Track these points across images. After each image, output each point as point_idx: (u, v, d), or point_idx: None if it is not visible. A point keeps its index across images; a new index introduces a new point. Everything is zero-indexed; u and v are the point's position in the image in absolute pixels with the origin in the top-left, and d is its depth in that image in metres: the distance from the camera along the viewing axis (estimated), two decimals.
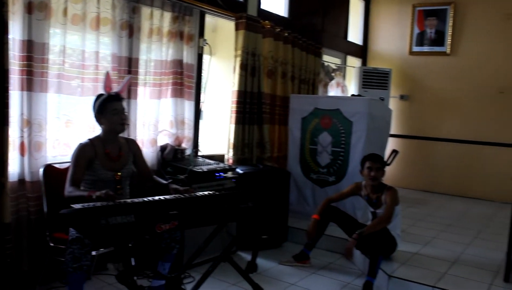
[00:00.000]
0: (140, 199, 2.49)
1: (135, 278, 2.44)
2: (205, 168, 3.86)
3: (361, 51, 7.67)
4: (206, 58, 4.72)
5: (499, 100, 6.66)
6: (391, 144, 6.97)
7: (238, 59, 4.72)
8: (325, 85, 6.55)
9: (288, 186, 4.51)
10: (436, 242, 4.41)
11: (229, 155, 4.78)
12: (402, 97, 7.32)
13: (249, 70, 4.81)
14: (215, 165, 4.03)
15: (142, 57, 3.79)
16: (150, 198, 2.47)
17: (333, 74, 6.66)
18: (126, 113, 2.99)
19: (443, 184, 7.02)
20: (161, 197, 2.52)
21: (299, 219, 4.73)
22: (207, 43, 4.49)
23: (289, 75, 5.53)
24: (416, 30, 7.30)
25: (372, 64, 7.57)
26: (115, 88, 3.01)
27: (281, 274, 3.72)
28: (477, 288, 3.30)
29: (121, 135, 3.03)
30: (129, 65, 3.66)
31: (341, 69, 7.04)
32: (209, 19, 4.68)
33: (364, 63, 7.68)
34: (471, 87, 6.85)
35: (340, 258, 4.15)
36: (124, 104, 3.04)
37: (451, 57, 7.02)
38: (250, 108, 4.90)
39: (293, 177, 4.97)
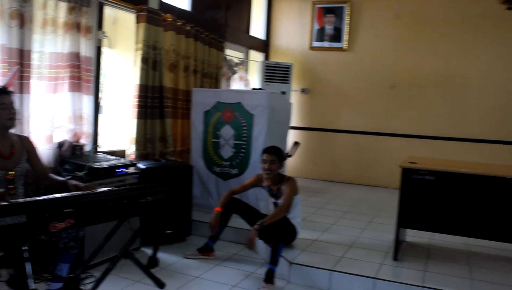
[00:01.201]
0: (33, 198, 2.36)
1: (29, 282, 2.31)
2: (105, 164, 3.74)
3: (264, 46, 7.81)
4: (105, 51, 4.56)
5: (391, 94, 7.12)
6: (293, 136, 7.21)
7: (139, 52, 4.62)
8: (228, 79, 6.61)
9: (191, 180, 4.50)
10: (335, 228, 4.63)
11: (131, 150, 4.68)
12: (303, 91, 7.57)
13: (150, 63, 4.73)
14: (115, 160, 3.92)
15: (36, 49, 3.58)
16: (43, 197, 2.35)
17: (236, 68, 6.73)
18: (15, 108, 2.82)
19: (342, 174, 7.38)
20: (56, 195, 2.40)
21: (203, 212, 4.75)
22: (106, 36, 4.34)
23: (191, 69, 5.51)
24: (316, 26, 7.56)
25: (274, 58, 7.74)
26: (2, 81, 2.82)
27: (186, 268, 3.72)
28: (370, 268, 3.50)
29: (13, 132, 2.86)
30: (20, 57, 3.43)
31: (244, 63, 7.14)
32: (109, 11, 4.53)
33: (266, 57, 7.83)
34: (366, 81, 7.25)
35: (243, 248, 4.21)
36: (14, 98, 2.86)
37: (348, 52, 7.37)
38: (152, 102, 4.82)
39: (197, 171, 4.97)
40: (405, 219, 3.68)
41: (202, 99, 5.05)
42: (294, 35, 7.71)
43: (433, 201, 3.59)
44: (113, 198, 2.41)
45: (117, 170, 3.79)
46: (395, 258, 3.70)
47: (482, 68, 6.68)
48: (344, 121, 7.38)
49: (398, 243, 3.72)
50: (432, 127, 6.90)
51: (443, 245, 4.22)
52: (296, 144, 5.75)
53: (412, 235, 4.29)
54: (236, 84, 6.67)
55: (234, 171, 4.89)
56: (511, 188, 3.43)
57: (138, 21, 4.63)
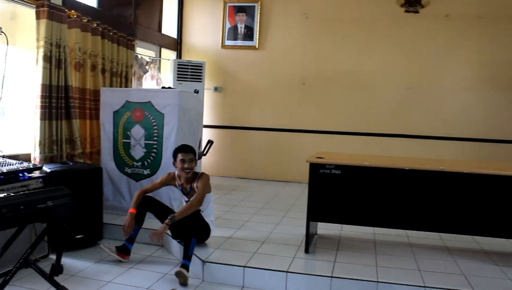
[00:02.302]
0: None
1: None
2: (5, 169, 3.52)
3: (176, 44, 7.73)
4: (3, 48, 4.28)
5: (302, 91, 7.32)
6: (207, 134, 7.23)
7: (41, 50, 4.40)
8: (140, 78, 6.47)
9: (101, 182, 4.35)
10: (249, 225, 4.68)
11: (35, 153, 4.44)
12: (216, 89, 7.58)
13: (54, 62, 4.52)
14: (17, 165, 3.70)
15: None
16: None
17: (147, 66, 6.61)
18: None
19: (256, 170, 7.50)
20: None
21: (116, 215, 4.63)
22: (2, 32, 4.08)
23: (99, 68, 5.33)
24: (228, 25, 7.60)
25: (187, 57, 7.69)
26: None
27: (98, 273, 3.59)
28: (283, 262, 3.58)
29: None
30: None
31: (156, 61, 7.02)
32: (6, 5, 4.26)
33: (179, 56, 7.76)
34: (277, 79, 7.40)
35: (158, 249, 4.16)
36: None
37: (260, 51, 7.48)
38: (57, 102, 4.61)
39: (108, 173, 4.83)
40: (315, 213, 3.81)
41: (111, 98, 4.91)
42: (206, 33, 7.70)
43: (341, 194, 3.75)
44: (7, 205, 2.28)
45: (19, 175, 3.58)
46: (307, 251, 3.81)
47: (385, 65, 7.07)
48: (257, 118, 7.49)
49: (309, 236, 3.85)
50: (340, 123, 7.20)
51: (352, 236, 4.41)
52: (210, 142, 5.78)
53: (324, 228, 4.46)
54: (148, 83, 6.55)
55: (146, 172, 4.80)
56: (410, 178, 3.67)
57: (38, 17, 4.41)
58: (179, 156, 3.79)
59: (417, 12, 6.97)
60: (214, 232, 4.01)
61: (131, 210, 3.79)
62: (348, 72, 7.17)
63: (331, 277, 3.32)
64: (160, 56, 7.29)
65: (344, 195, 3.75)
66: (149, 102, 4.71)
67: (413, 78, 7.00)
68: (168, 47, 7.52)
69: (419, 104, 6.99)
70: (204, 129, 7.26)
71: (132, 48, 6.06)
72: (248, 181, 7.33)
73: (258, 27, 7.47)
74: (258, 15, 7.45)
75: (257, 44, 7.47)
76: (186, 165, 3.77)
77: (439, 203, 3.68)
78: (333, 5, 7.21)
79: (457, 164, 4.02)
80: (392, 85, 7.06)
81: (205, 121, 7.35)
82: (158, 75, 6.74)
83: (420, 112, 6.98)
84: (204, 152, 5.79)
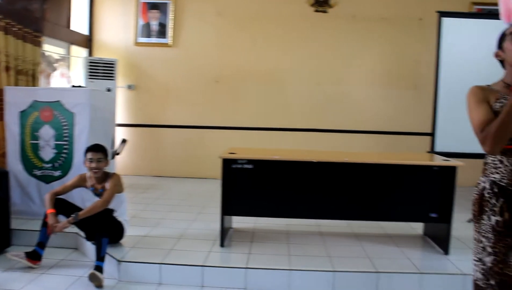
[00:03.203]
0: None
1: None
2: None
3: (87, 41, 7.51)
4: None
5: (216, 88, 7.42)
6: (121, 133, 7.11)
7: None
8: (48, 76, 6.23)
9: (7, 186, 4.17)
10: (165, 223, 4.69)
11: None
12: (129, 87, 7.47)
13: None
14: None
15: None
16: None
17: (56, 64, 6.38)
18: None
19: (172, 168, 7.48)
20: None
21: (25, 220, 4.44)
22: None
23: (3, 65, 5.07)
24: (141, 22, 7.49)
25: (98, 54, 7.49)
26: None
27: (6, 282, 3.43)
28: (199, 256, 3.66)
29: None
30: None
31: (65, 59, 6.79)
32: None
33: (90, 53, 7.54)
34: (192, 77, 7.43)
35: (72, 253, 4.07)
36: None
37: (173, 48, 7.46)
38: None
39: (15, 176, 4.62)
40: (229, 207, 3.92)
41: (16, 98, 4.69)
42: (118, 30, 7.54)
43: (254, 187, 3.90)
44: None
45: None
46: (222, 244, 3.92)
47: (296, 63, 7.34)
48: (172, 116, 7.47)
49: (224, 230, 3.96)
50: (255, 119, 7.37)
51: (267, 228, 4.57)
52: (123, 141, 5.71)
53: (239, 222, 4.58)
54: (57, 82, 6.32)
55: (57, 173, 4.65)
56: (318, 170, 3.89)
57: None
58: (88, 155, 3.75)
59: (325, 12, 7.30)
60: (129, 231, 4.00)
61: (50, 210, 3.65)
62: (261, 69, 7.36)
63: (246, 268, 3.46)
64: (70, 54, 7.05)
65: (257, 188, 3.90)
66: (59, 101, 4.57)
67: (323, 75, 7.34)
68: (79, 44, 7.28)
69: (329, 100, 7.33)
70: (118, 128, 7.13)
71: (39, 44, 5.81)
72: (163, 179, 7.30)
73: (171, 24, 7.44)
74: (172, 12, 7.42)
75: (170, 41, 7.45)
76: (93, 165, 3.73)
77: (346, 193, 3.94)
78: (246, 4, 7.35)
79: (360, 156, 4.33)
80: (304, 81, 7.35)
81: (119, 120, 7.22)
82: (68, 73, 6.53)
83: (331, 107, 7.33)
84: (118, 151, 5.71)
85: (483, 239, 2.05)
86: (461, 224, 4.28)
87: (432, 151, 5.19)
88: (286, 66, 7.35)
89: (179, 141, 7.48)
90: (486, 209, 2.06)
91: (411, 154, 4.94)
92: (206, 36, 7.41)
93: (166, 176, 7.44)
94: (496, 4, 7.03)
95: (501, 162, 2.03)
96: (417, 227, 4.63)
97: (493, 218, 2.02)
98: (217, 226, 4.04)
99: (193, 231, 4.41)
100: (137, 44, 7.49)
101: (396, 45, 7.25)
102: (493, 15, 6.55)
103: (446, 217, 3.87)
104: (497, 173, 2.05)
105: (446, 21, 5.22)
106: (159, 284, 3.46)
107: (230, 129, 7.36)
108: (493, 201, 2.03)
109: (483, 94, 2.05)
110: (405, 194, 3.94)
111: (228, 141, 6.57)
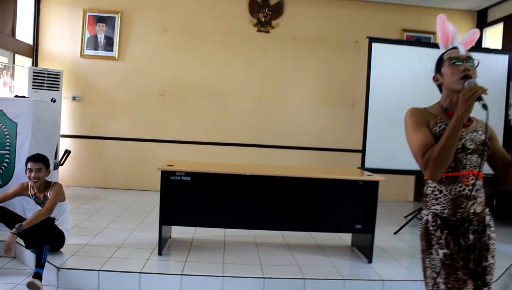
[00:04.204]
0: None
1: None
2: None
3: (32, 51, 7.50)
4: None
5: (161, 102, 7.58)
6: (65, 144, 7.12)
7: None
8: None
9: None
10: (106, 232, 4.80)
11: None
12: (74, 98, 7.50)
13: None
14: None
15: None
16: None
17: None
18: None
19: (115, 180, 7.55)
20: None
21: None
22: None
23: None
24: (88, 34, 7.57)
25: (44, 64, 7.49)
26: None
27: None
28: (137, 264, 3.81)
29: None
30: None
31: (9, 68, 6.77)
32: None
33: (35, 63, 7.53)
34: (137, 90, 7.57)
35: (10, 261, 4.10)
36: None
37: (120, 62, 7.58)
38: None
39: None
40: (167, 217, 4.11)
41: None
42: (65, 41, 7.58)
43: (191, 198, 4.10)
44: None
45: None
46: (160, 253, 4.09)
47: (239, 79, 7.65)
48: (116, 128, 7.56)
49: (163, 239, 4.13)
50: (198, 133, 7.59)
51: (204, 238, 4.77)
52: (67, 152, 5.77)
53: (178, 232, 4.75)
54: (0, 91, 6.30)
55: None
56: (252, 183, 4.15)
57: None
58: (28, 165, 3.84)
59: (268, 32, 7.66)
60: (70, 240, 4.10)
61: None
62: (206, 84, 7.60)
63: (181, 275, 3.64)
64: (13, 63, 7.02)
65: (194, 199, 4.11)
66: (1, 110, 4.61)
67: (265, 92, 7.68)
68: (23, 53, 7.27)
69: (270, 116, 7.66)
70: (62, 139, 7.14)
71: None
72: (107, 190, 7.35)
73: (118, 38, 7.56)
74: (119, 26, 7.55)
75: (117, 54, 7.56)
76: (33, 175, 3.82)
77: (279, 204, 4.21)
78: (192, 20, 7.60)
79: (292, 170, 4.63)
80: (247, 98, 7.65)
81: (63, 131, 7.23)
82: (11, 83, 6.51)
83: (272, 124, 7.66)
84: (61, 162, 5.76)
85: (434, 274, 1.97)
86: (385, 235, 4.65)
87: (362, 167, 5.57)
88: (230, 82, 7.64)
89: (123, 153, 7.57)
90: (433, 242, 2.00)
91: (341, 169, 5.30)
92: (152, 50, 7.59)
93: (109, 188, 7.49)
94: (423, 32, 7.62)
95: (440, 192, 2.01)
96: (346, 238, 4.96)
97: (441, 252, 1.96)
98: (156, 235, 4.18)
99: (133, 241, 4.54)
100: (83, 56, 7.56)
101: (334, 65, 7.70)
102: (419, 42, 7.15)
103: (369, 228, 4.21)
104: (438, 204, 2.01)
105: (376, 46, 5.64)
106: None
107: (174, 143, 7.54)
108: (438, 233, 1.99)
109: (422, 117, 2.03)
110: (333, 207, 4.26)
111: (171, 154, 6.73)
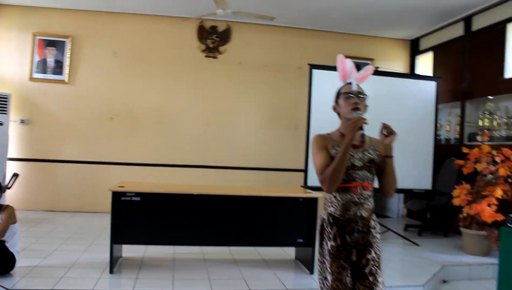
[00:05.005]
0: None
1: None
2: None
3: None
4: None
5: (111, 125, 7.72)
6: (13, 167, 7.12)
7: None
8: None
9: None
10: (56, 254, 4.87)
11: None
12: (22, 121, 7.51)
13: None
14: None
15: None
16: None
17: None
18: None
19: (65, 203, 7.56)
20: None
21: None
22: None
23: None
24: (37, 58, 7.62)
25: None
26: None
27: None
28: (89, 282, 3.95)
29: None
30: None
31: None
32: None
33: None
34: (87, 113, 7.66)
35: None
36: None
37: (70, 85, 7.67)
38: None
39: None
40: (118, 236, 4.27)
41: None
42: (13, 65, 7.59)
43: (142, 218, 4.30)
44: None
45: None
46: (111, 271, 4.24)
47: (188, 103, 7.92)
48: (66, 151, 7.61)
49: (114, 258, 4.28)
50: (148, 155, 7.76)
51: (155, 256, 4.95)
52: (14, 175, 5.80)
53: (129, 251, 4.90)
54: None
55: None
56: (200, 202, 4.40)
57: None
58: None
59: (215, 57, 7.99)
60: (20, 262, 4.17)
61: None
62: (155, 108, 7.82)
63: None
64: None
65: (144, 219, 4.31)
66: None
67: (213, 115, 7.97)
68: None
69: (218, 139, 7.95)
70: (9, 162, 7.14)
71: None
72: (56, 213, 7.35)
73: (68, 61, 7.66)
74: (69, 50, 7.66)
75: (67, 78, 7.65)
76: None
77: (225, 222, 4.47)
78: (141, 47, 7.82)
79: (238, 189, 4.91)
80: (195, 121, 7.92)
81: (10, 154, 7.22)
82: None
83: (219, 146, 7.94)
84: (9, 185, 5.78)
85: (325, 261, 2.44)
86: None
87: (305, 185, 5.91)
88: (179, 106, 7.89)
89: (72, 176, 7.61)
90: (325, 236, 2.46)
91: (284, 188, 5.62)
92: (103, 74, 7.74)
93: (59, 211, 7.49)
94: (363, 58, 8.13)
95: (335, 197, 2.44)
96: (290, 253, 5.26)
97: (329, 243, 2.43)
98: (107, 255, 4.32)
99: (84, 261, 4.65)
100: (32, 79, 7.60)
101: (279, 90, 8.12)
102: (357, 68, 7.65)
103: (310, 242, 4.53)
104: (332, 207, 2.45)
105: (316, 72, 6.06)
106: None
107: (124, 165, 7.65)
108: (329, 229, 2.45)
109: (323, 142, 2.45)
110: (277, 222, 4.57)
111: (121, 176, 6.85)
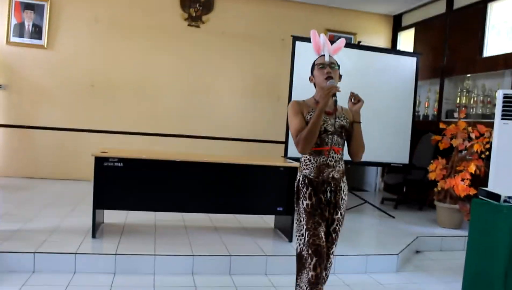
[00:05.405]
0: None
1: None
2: None
3: None
4: None
5: (90, 92, 7.64)
6: None
7: None
8: None
9: None
10: (38, 219, 4.87)
11: None
12: (0, 87, 7.38)
13: None
14: None
15: None
16: None
17: None
18: None
19: (45, 170, 7.52)
20: None
21: None
22: None
23: None
24: (14, 21, 7.44)
25: None
26: None
27: None
28: (72, 246, 3.96)
29: None
30: None
31: None
32: None
33: None
34: (67, 79, 7.55)
35: None
36: None
37: (49, 50, 7.52)
38: None
39: None
40: (100, 201, 4.30)
41: None
42: None
43: (124, 184, 4.33)
44: None
45: None
46: (94, 236, 4.28)
47: (169, 72, 7.88)
48: (45, 118, 7.51)
49: (96, 224, 4.32)
50: (129, 123, 7.72)
51: (136, 223, 5.00)
52: None
53: (111, 218, 4.92)
54: None
55: None
56: (181, 169, 4.45)
57: None
58: None
59: (198, 26, 7.94)
60: (1, 226, 4.18)
61: None
62: (136, 76, 7.75)
63: (115, 254, 3.87)
64: None
65: (126, 185, 4.33)
66: None
67: (194, 85, 7.96)
68: None
69: (199, 108, 7.95)
70: None
71: None
72: (35, 180, 7.31)
73: (47, 26, 7.51)
74: (48, 14, 7.49)
75: (45, 43, 7.51)
76: None
77: (206, 189, 4.54)
78: (123, 12, 7.70)
79: (219, 158, 4.98)
80: (176, 90, 7.90)
81: None
82: None
83: (201, 115, 7.95)
84: None
85: (301, 219, 2.67)
86: None
87: (285, 156, 5.99)
88: (160, 74, 7.84)
89: (52, 143, 7.54)
90: (301, 196, 2.69)
91: (264, 157, 5.69)
92: (83, 40, 7.61)
93: (38, 178, 7.45)
94: (346, 32, 8.19)
95: (309, 160, 2.68)
96: (270, 222, 5.37)
97: (305, 202, 2.66)
98: (89, 221, 4.35)
99: (66, 225, 4.68)
100: (10, 43, 7.43)
101: (261, 61, 8.12)
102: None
103: (290, 210, 4.63)
104: (307, 169, 2.69)
105: (299, 44, 6.09)
106: (33, 273, 3.71)
107: (105, 133, 7.61)
108: (304, 189, 2.68)
109: (299, 108, 2.69)
110: (257, 191, 4.65)
111: (101, 144, 6.81)
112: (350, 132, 2.72)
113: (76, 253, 3.83)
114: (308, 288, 2.57)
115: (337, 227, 2.73)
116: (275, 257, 4.20)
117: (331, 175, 2.67)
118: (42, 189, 6.64)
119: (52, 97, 7.53)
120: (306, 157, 2.71)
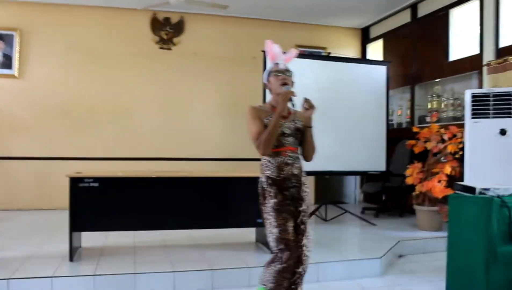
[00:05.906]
0: None
1: None
2: None
3: None
4: None
5: (66, 119, 7.58)
6: None
7: None
8: None
9: None
10: (14, 247, 4.72)
11: None
12: None
13: None
14: None
15: None
16: None
17: None
18: None
19: (21, 201, 7.35)
20: None
21: None
22: None
23: None
24: None
25: None
26: None
27: None
28: (48, 270, 3.86)
29: None
30: None
31: None
32: None
33: None
34: (41, 108, 7.48)
35: None
36: None
37: (20, 80, 7.47)
38: None
39: None
40: (77, 223, 4.23)
41: None
42: None
43: (100, 204, 4.27)
44: None
45: None
46: (71, 259, 4.18)
47: (144, 96, 7.89)
48: (19, 147, 7.39)
49: (73, 247, 4.23)
50: (105, 149, 7.65)
51: (115, 244, 4.93)
52: None
53: (88, 242, 4.83)
54: None
55: None
56: (159, 187, 4.41)
57: None
58: None
59: (170, 49, 7.99)
60: None
61: None
62: (111, 102, 7.73)
63: (94, 275, 3.79)
64: None
65: (103, 205, 4.28)
66: None
67: (170, 107, 7.97)
68: None
69: (176, 130, 7.94)
70: None
71: None
72: (12, 212, 7.14)
73: (17, 56, 7.46)
74: (18, 43, 7.45)
75: (17, 73, 7.45)
76: None
77: (187, 205, 4.51)
78: (95, 39, 7.71)
79: (196, 173, 4.95)
80: (152, 113, 7.89)
81: None
82: None
83: (178, 137, 7.93)
84: None
85: (270, 217, 2.84)
86: None
87: None
88: (135, 99, 7.84)
89: (28, 173, 7.41)
90: (267, 195, 2.87)
91: (241, 171, 5.68)
92: (56, 68, 7.58)
93: (15, 209, 7.27)
94: (315, 47, 8.30)
95: (270, 162, 2.89)
96: (251, 236, 5.32)
97: (272, 201, 2.84)
98: (66, 246, 4.24)
99: (43, 252, 4.57)
100: None
101: (234, 79, 8.18)
102: (309, 56, 7.81)
103: None
104: (269, 170, 2.89)
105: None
106: None
107: (82, 160, 7.49)
108: (269, 189, 2.86)
109: (257, 113, 2.88)
110: (237, 204, 4.63)
111: (80, 171, 6.71)
112: (304, 134, 2.94)
113: (52, 277, 3.74)
114: (274, 277, 2.80)
115: (304, 219, 2.91)
116: (258, 269, 4.12)
117: (290, 172, 2.87)
118: (18, 220, 6.49)
119: (26, 126, 7.44)
120: (266, 159, 2.90)
